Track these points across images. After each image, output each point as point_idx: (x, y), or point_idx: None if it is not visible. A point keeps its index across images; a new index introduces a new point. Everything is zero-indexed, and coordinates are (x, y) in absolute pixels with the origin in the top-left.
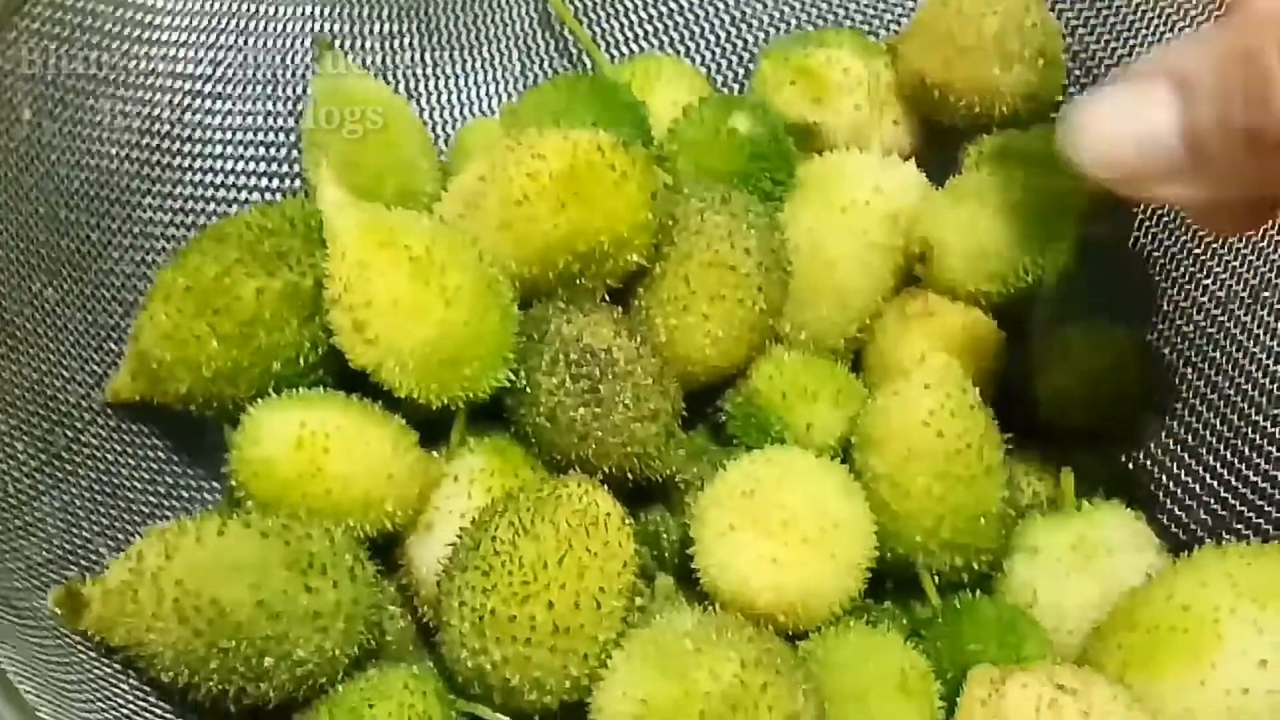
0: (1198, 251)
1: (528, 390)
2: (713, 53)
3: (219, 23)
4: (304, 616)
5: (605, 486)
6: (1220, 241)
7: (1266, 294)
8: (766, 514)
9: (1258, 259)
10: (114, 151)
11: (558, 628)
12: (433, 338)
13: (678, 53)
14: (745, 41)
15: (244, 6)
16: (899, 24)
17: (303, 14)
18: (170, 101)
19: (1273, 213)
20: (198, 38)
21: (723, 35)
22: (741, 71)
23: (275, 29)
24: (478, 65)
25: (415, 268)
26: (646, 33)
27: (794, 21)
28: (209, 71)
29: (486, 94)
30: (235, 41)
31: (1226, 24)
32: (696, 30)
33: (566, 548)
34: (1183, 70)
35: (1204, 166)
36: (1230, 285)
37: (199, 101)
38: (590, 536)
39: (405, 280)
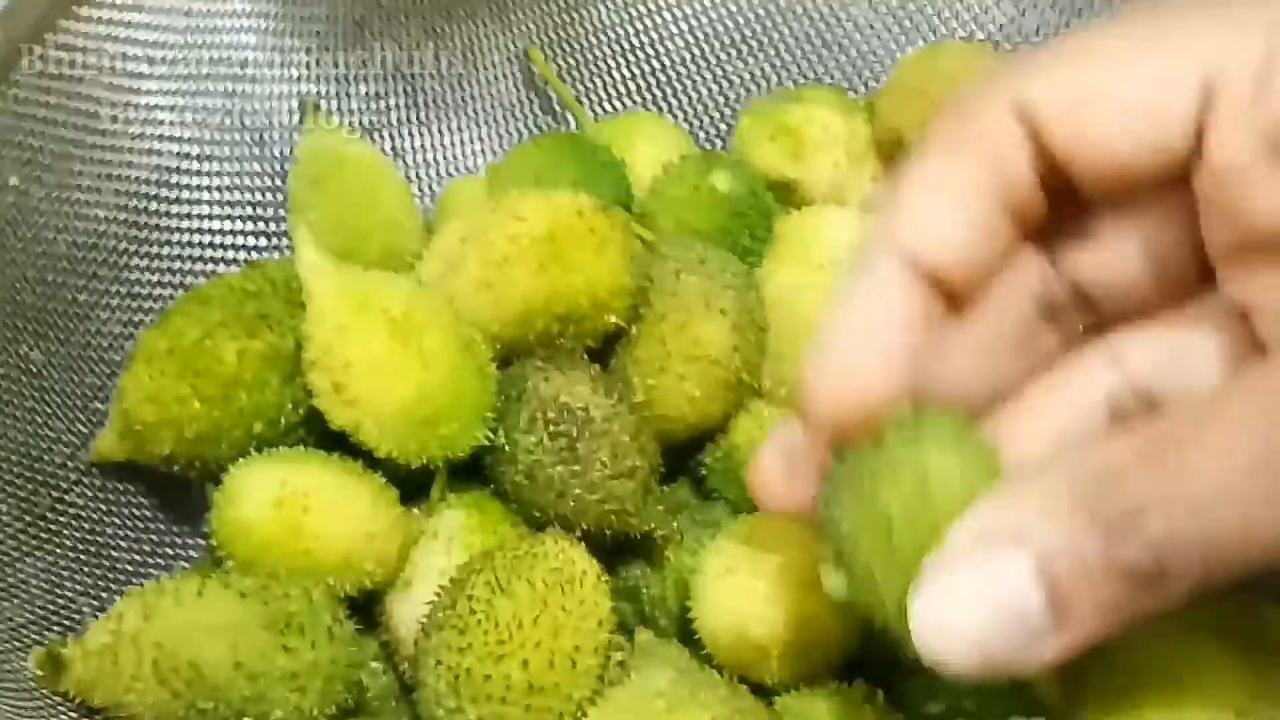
0: None
1: (506, 448)
2: (695, 110)
3: (206, 86)
4: (281, 677)
5: (584, 543)
6: None
7: None
8: (764, 559)
9: None
10: (101, 214)
11: (533, 686)
12: (411, 398)
13: (660, 110)
14: (727, 99)
15: (231, 70)
16: (878, 81)
17: (289, 76)
18: (157, 164)
19: None
20: (185, 100)
21: (705, 93)
22: (724, 128)
23: (262, 91)
24: (463, 125)
25: (393, 329)
26: (629, 91)
27: (775, 79)
28: (196, 134)
29: (472, 153)
30: (222, 104)
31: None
32: (679, 88)
33: (542, 606)
34: (1023, 525)
35: (1074, 614)
36: None
37: (186, 164)
38: (566, 594)
39: (383, 342)
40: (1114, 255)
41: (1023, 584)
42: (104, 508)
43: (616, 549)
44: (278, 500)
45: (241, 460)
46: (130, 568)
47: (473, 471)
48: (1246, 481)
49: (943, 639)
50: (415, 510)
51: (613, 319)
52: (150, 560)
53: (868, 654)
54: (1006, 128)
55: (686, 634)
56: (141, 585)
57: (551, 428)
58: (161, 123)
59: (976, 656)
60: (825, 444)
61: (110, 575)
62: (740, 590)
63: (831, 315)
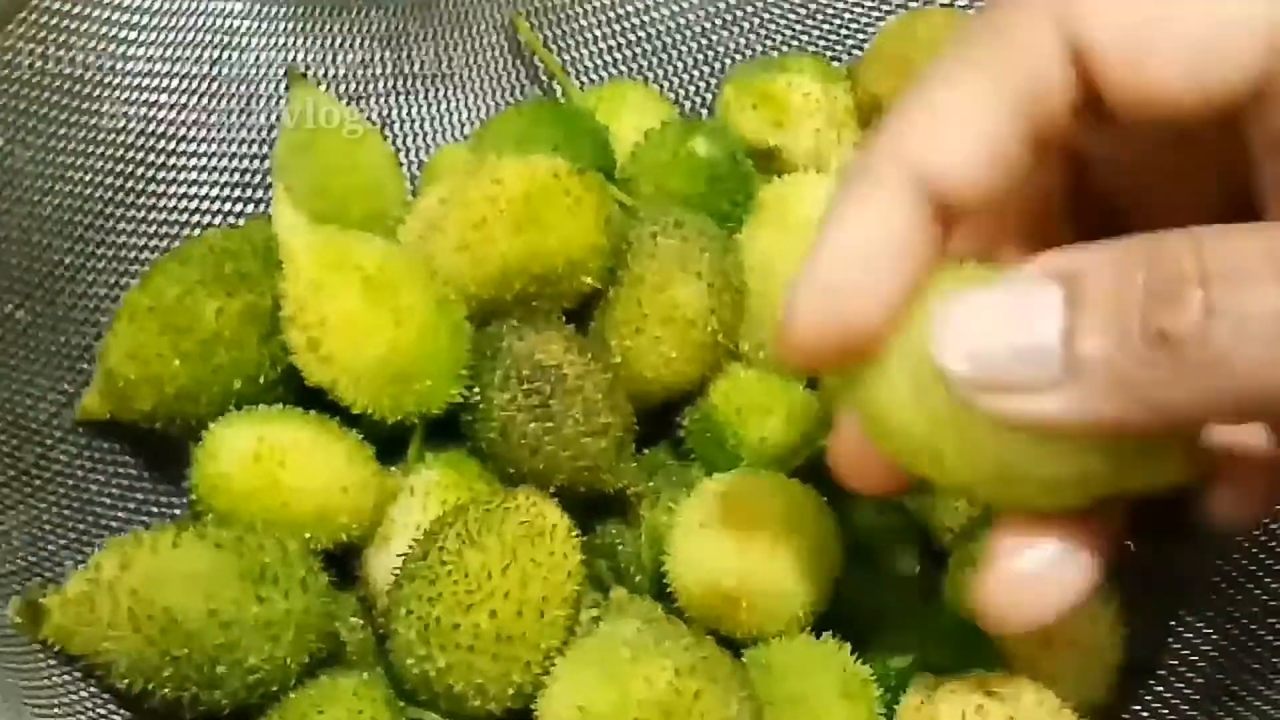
0: None
1: (481, 406)
2: (680, 79)
3: (192, 52)
4: (255, 625)
5: (558, 500)
6: None
7: None
8: (736, 515)
9: None
10: (88, 178)
11: (500, 636)
12: (384, 355)
13: (646, 79)
14: (712, 67)
15: (217, 36)
16: (861, 49)
17: (275, 44)
18: (143, 129)
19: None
20: (171, 65)
21: (690, 62)
22: (709, 96)
23: (248, 58)
24: (450, 93)
25: (367, 287)
26: (615, 60)
27: (759, 48)
28: (182, 99)
29: (459, 121)
30: (208, 70)
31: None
32: (664, 57)
33: (511, 557)
34: (1074, 268)
35: (1088, 380)
36: None
37: (172, 129)
38: (535, 547)
39: (357, 299)
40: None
41: (1049, 309)
42: (89, 464)
43: (593, 507)
44: (255, 455)
45: (221, 417)
46: (115, 523)
47: (450, 430)
48: None
49: (951, 339)
50: (394, 468)
51: (588, 280)
52: (135, 516)
53: (837, 609)
54: (1048, 49)
55: (662, 592)
56: (118, 537)
57: (525, 385)
58: (148, 87)
59: (976, 365)
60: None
61: (94, 530)
62: (712, 543)
63: (820, 229)
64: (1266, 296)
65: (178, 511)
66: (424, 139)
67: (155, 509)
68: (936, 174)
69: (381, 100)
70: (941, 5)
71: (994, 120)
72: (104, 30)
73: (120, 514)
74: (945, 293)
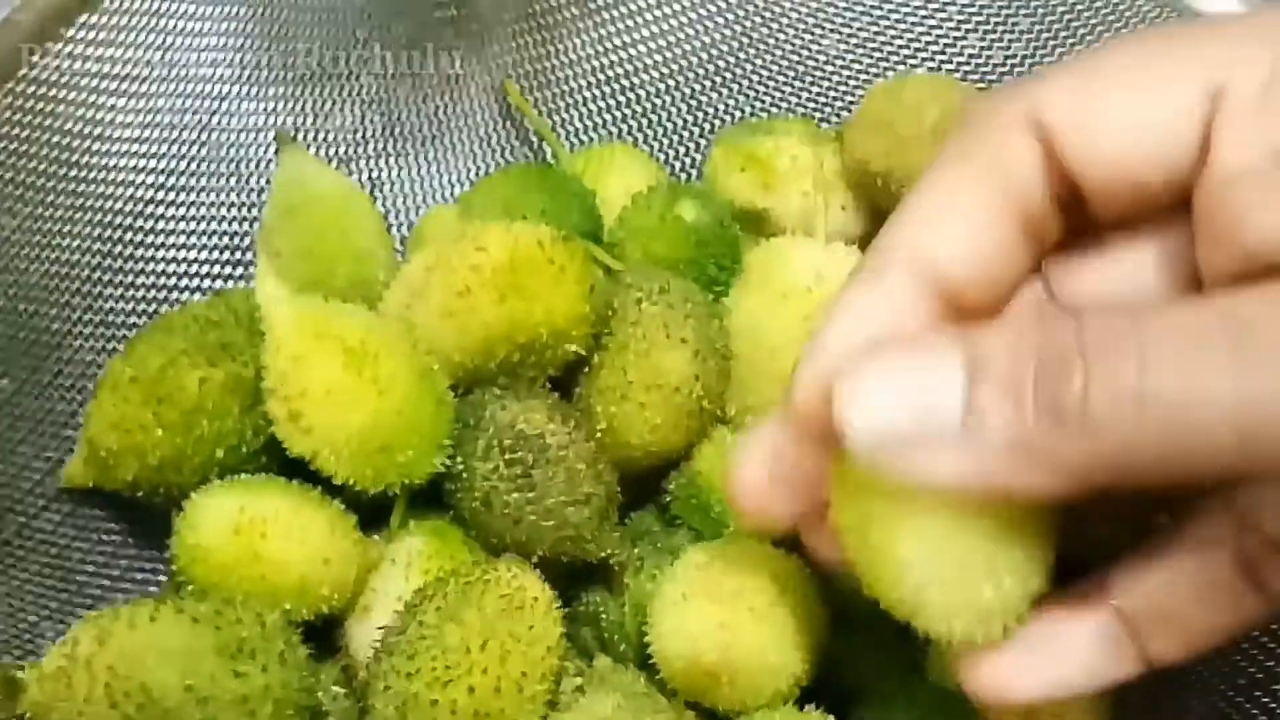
0: None
1: (464, 475)
2: (669, 140)
3: (181, 118)
4: (232, 700)
5: (541, 569)
6: None
7: None
8: (719, 585)
9: None
10: (75, 245)
11: (479, 713)
12: (366, 426)
13: (635, 140)
14: (701, 129)
15: (206, 102)
16: (849, 110)
17: (265, 108)
18: (132, 195)
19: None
20: (160, 132)
21: (679, 124)
22: (698, 157)
23: (237, 123)
24: (440, 155)
25: (349, 358)
26: (604, 121)
27: (748, 109)
28: (171, 165)
29: (449, 183)
30: (197, 136)
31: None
32: (654, 119)
33: (490, 633)
34: (975, 343)
35: (986, 443)
36: None
37: (161, 194)
38: (515, 621)
39: (339, 371)
40: (1118, 276)
41: (949, 373)
42: (71, 533)
43: (577, 574)
44: (236, 526)
45: (203, 487)
46: (98, 592)
47: (434, 498)
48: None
49: (855, 406)
50: (376, 537)
51: (573, 348)
52: (118, 584)
53: (822, 682)
54: (1020, 138)
55: (647, 660)
56: (96, 612)
57: (508, 455)
58: (136, 154)
59: (879, 428)
60: (812, 447)
61: (77, 599)
62: (694, 616)
63: (827, 317)
64: (1128, 373)
65: (161, 578)
66: (414, 200)
67: (138, 577)
68: (939, 267)
69: (371, 162)
70: (929, 69)
71: (986, 213)
72: (91, 98)
73: (104, 582)
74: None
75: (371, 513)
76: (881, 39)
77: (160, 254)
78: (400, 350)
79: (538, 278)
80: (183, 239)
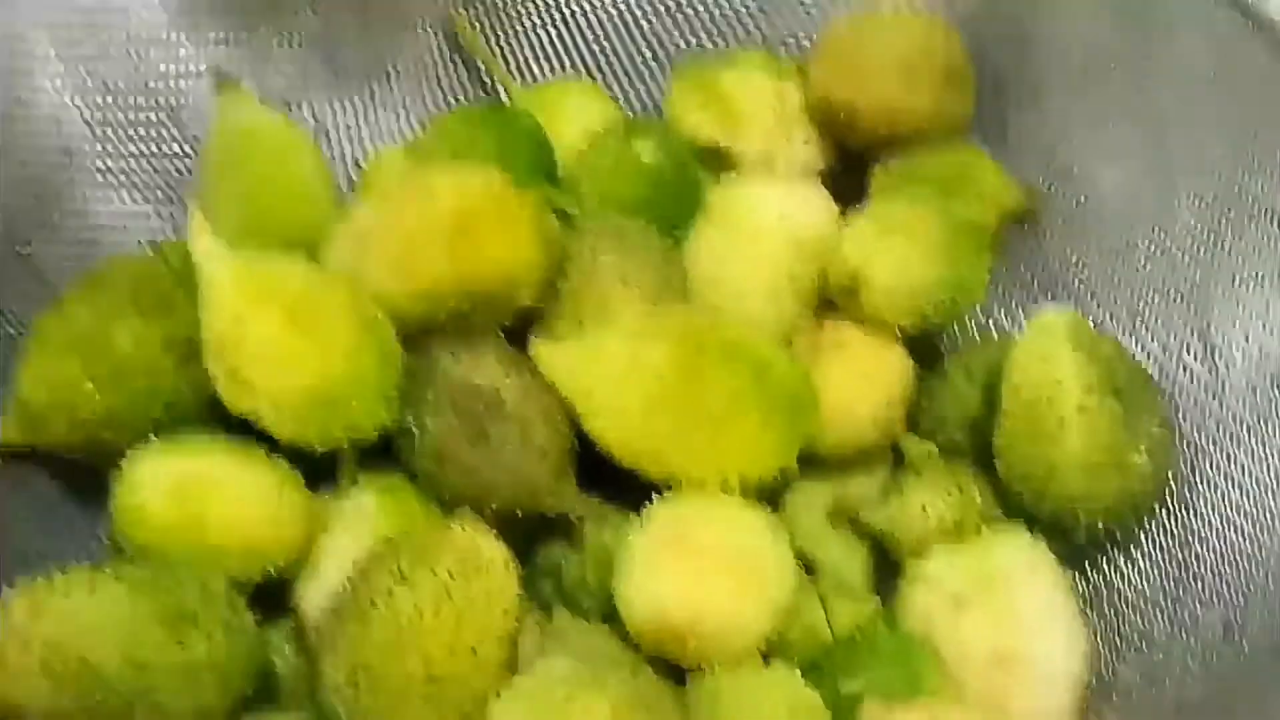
0: None
1: (415, 430)
2: (627, 74)
3: (113, 64)
4: (174, 670)
5: (498, 524)
6: None
7: None
8: (687, 542)
9: None
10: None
11: (432, 678)
12: (308, 383)
13: (590, 73)
14: (660, 63)
15: (140, 44)
16: (812, 39)
17: (202, 52)
18: (62, 145)
19: None
20: (90, 79)
21: (636, 57)
22: (656, 92)
23: (175, 68)
24: (387, 94)
25: (289, 315)
26: (559, 53)
27: (706, 39)
28: (103, 114)
29: (397, 121)
30: (131, 80)
31: None
32: (609, 50)
33: (444, 596)
34: None
35: None
36: None
37: (92, 144)
38: (470, 584)
39: (278, 328)
40: None
41: None
42: (5, 493)
43: (536, 528)
44: (176, 487)
45: (139, 446)
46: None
47: (385, 452)
48: None
49: None
50: (326, 495)
51: (525, 296)
52: (58, 546)
53: (787, 637)
54: None
55: (612, 612)
56: (29, 582)
57: (461, 409)
58: (66, 104)
59: None
60: None
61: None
62: (659, 572)
63: None
64: None
65: (102, 539)
66: (360, 142)
67: (78, 537)
68: None
69: (314, 106)
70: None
71: None
72: (16, 45)
73: (40, 545)
74: None
75: (320, 469)
76: None
77: (93, 205)
78: (343, 302)
79: (488, 226)
80: (115, 191)
